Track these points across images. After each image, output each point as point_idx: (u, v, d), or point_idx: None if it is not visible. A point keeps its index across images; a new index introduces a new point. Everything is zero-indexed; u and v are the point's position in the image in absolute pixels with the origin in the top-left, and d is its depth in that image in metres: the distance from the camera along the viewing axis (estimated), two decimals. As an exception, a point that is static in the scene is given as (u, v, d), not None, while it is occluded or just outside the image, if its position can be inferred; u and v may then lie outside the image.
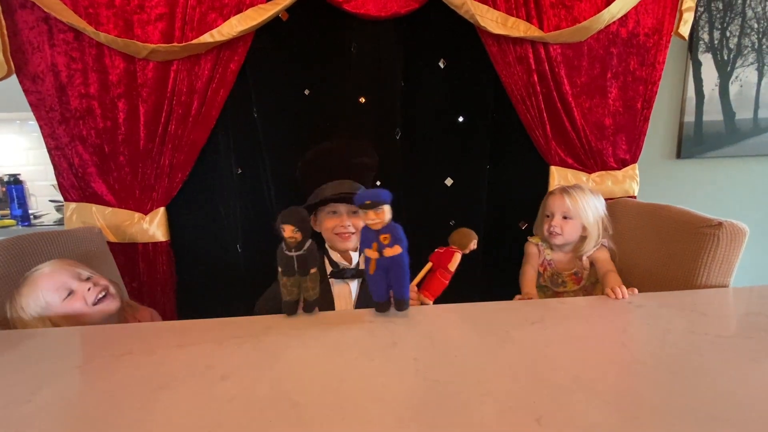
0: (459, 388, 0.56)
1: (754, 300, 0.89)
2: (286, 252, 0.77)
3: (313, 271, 0.79)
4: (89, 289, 0.90)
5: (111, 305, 0.93)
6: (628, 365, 0.63)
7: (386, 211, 0.76)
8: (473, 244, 0.97)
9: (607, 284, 1.01)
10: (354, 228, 1.08)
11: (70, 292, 0.89)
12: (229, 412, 0.52)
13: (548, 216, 1.21)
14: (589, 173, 1.44)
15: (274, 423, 0.50)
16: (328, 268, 1.09)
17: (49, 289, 0.88)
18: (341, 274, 1.07)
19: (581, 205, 1.17)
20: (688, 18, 1.34)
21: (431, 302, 0.94)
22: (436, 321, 0.81)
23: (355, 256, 1.11)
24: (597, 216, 1.19)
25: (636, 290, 0.93)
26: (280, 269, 0.78)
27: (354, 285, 1.08)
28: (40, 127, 1.26)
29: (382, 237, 0.77)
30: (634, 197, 1.47)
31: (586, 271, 1.20)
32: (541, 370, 0.61)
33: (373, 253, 0.78)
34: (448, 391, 0.56)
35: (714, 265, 0.96)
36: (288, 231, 0.74)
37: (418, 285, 0.98)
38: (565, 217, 1.18)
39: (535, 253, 1.25)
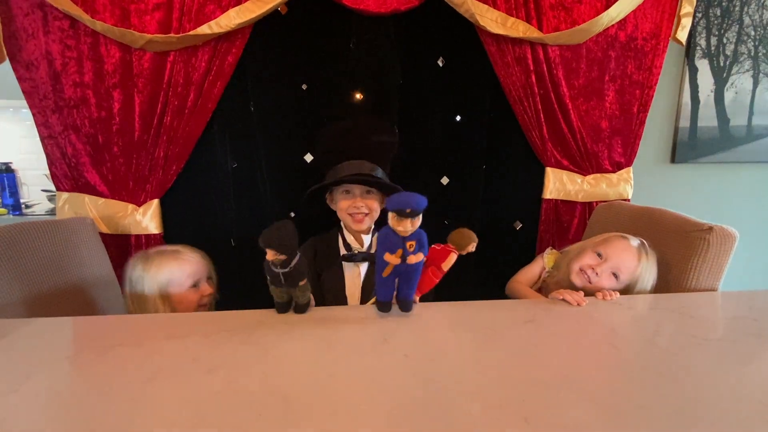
0: (449, 385, 0.57)
1: (741, 304, 0.90)
2: (273, 268, 0.73)
3: (302, 283, 0.76)
4: (209, 293, 1.00)
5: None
6: (616, 366, 0.63)
7: (420, 219, 0.73)
8: (471, 247, 0.90)
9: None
10: (367, 209, 1.08)
11: (196, 285, 0.98)
12: (217, 405, 0.52)
13: (599, 255, 1.00)
14: (584, 175, 1.45)
15: (263, 417, 0.50)
16: (342, 250, 1.11)
17: (185, 272, 0.97)
18: (350, 258, 1.09)
19: (643, 278, 0.97)
20: (686, 23, 1.35)
21: (417, 299, 0.91)
22: (428, 319, 0.81)
23: (366, 239, 1.12)
24: (644, 291, 0.99)
25: (618, 293, 0.92)
26: (267, 277, 0.75)
27: (363, 267, 1.10)
28: (33, 115, 1.24)
29: (408, 244, 0.74)
30: (628, 200, 1.48)
31: None
32: (530, 369, 0.61)
33: (395, 259, 0.75)
34: (437, 388, 0.56)
35: (704, 269, 0.97)
36: (270, 255, 0.71)
37: None
38: (614, 274, 0.98)
39: (535, 277, 1.12)
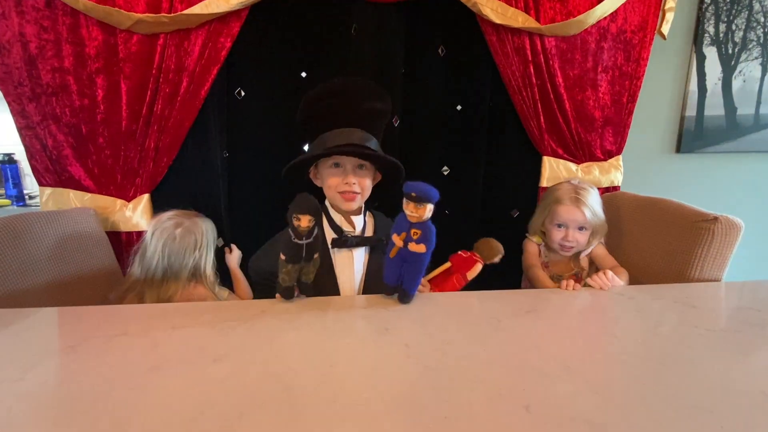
0: (449, 374, 0.57)
1: (745, 294, 0.90)
2: (296, 240, 0.75)
3: (316, 256, 0.79)
4: None
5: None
6: (617, 356, 0.63)
7: (427, 210, 0.76)
8: (497, 258, 0.96)
9: None
10: (359, 187, 0.95)
11: None
12: (221, 394, 0.52)
13: (559, 226, 1.14)
14: (578, 163, 1.47)
15: (266, 405, 0.50)
16: (330, 233, 0.96)
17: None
18: (343, 242, 0.95)
19: (597, 212, 1.12)
20: (670, 18, 1.38)
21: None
22: (429, 308, 0.81)
23: (358, 221, 0.99)
24: (602, 217, 1.15)
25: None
26: (284, 257, 0.77)
27: (358, 254, 0.96)
28: (9, 104, 1.15)
29: (413, 231, 0.77)
30: (618, 187, 1.50)
31: (585, 272, 1.17)
32: (531, 358, 0.61)
33: (399, 241, 0.79)
34: (438, 377, 0.56)
35: (708, 259, 0.97)
36: (305, 221, 0.73)
37: (430, 280, 0.97)
38: (580, 228, 1.12)
39: (536, 253, 1.21)
